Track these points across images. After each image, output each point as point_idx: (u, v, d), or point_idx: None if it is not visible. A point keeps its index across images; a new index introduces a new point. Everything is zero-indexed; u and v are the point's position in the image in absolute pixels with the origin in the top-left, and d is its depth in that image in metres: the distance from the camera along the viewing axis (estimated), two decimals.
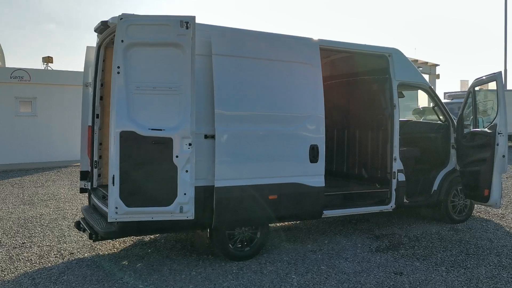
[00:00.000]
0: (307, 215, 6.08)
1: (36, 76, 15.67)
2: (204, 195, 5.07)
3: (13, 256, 5.73)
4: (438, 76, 27.28)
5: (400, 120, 8.12)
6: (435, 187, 7.08)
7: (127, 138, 4.60)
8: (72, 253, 5.84)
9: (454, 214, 7.26)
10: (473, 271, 5.18)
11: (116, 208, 4.62)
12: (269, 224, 5.89)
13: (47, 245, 6.17)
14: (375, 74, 7.14)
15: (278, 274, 5.08)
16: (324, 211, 5.93)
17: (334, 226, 7.13)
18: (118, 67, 4.61)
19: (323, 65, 8.18)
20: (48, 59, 17.28)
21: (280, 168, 5.53)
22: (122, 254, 5.81)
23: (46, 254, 5.80)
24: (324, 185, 5.81)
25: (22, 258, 5.65)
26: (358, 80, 7.54)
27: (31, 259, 5.62)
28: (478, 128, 6.71)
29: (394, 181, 6.55)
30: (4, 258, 5.62)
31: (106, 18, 5.46)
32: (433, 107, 7.35)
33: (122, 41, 4.62)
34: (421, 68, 27.30)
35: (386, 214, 7.54)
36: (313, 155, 5.68)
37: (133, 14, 4.76)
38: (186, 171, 4.74)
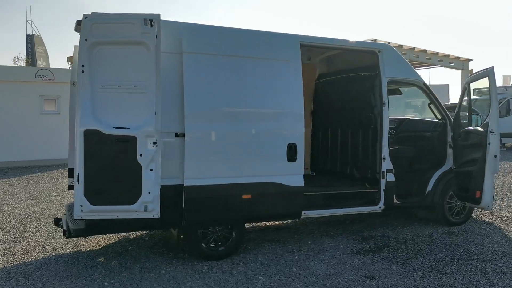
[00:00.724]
0: (285, 216, 5.98)
1: (60, 75, 16.12)
2: (175, 194, 5.06)
3: (0, 250, 5.92)
4: (472, 72, 26.23)
5: (397, 118, 7.92)
6: (429, 187, 6.79)
7: (91, 136, 4.63)
8: (55, 249, 5.97)
9: (450, 216, 6.94)
10: (450, 277, 4.93)
11: (81, 206, 4.67)
12: (246, 224, 5.82)
13: (36, 241, 6.34)
14: (364, 71, 6.92)
15: (246, 275, 5.01)
16: (303, 211, 5.80)
17: (324, 226, 6.97)
18: (83, 66, 4.65)
19: (319, 62, 8.09)
20: (71, 59, 17.75)
21: (255, 167, 5.44)
22: (103, 250, 5.89)
23: (31, 250, 5.96)
24: (303, 184, 5.67)
25: (7, 253, 5.82)
26: (349, 77, 7.33)
27: (15, 254, 5.78)
28: (472, 126, 6.39)
29: (383, 181, 6.33)
30: None
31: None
32: (428, 105, 7.04)
33: (86, 39, 4.65)
34: (452, 64, 26.46)
35: (382, 215, 7.31)
36: (291, 154, 5.56)
37: (100, 13, 4.78)
38: (151, 169, 4.74)
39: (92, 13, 4.78)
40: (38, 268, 5.28)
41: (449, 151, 6.90)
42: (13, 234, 6.68)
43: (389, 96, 7.05)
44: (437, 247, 5.95)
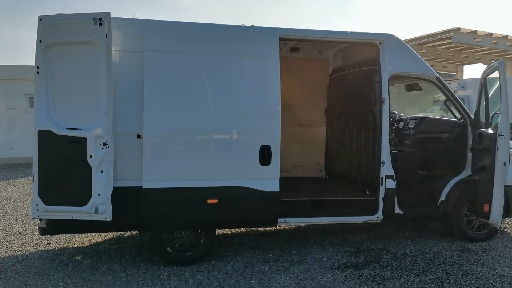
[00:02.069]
0: (258, 222, 5.57)
1: None
2: (136, 196, 4.94)
3: (9, 241, 6.25)
4: None
5: (416, 117, 7.08)
6: (442, 197, 5.93)
7: (44, 137, 4.67)
8: (49, 244, 6.18)
9: (469, 231, 6.01)
10: None
11: (37, 205, 4.74)
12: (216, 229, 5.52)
13: (38, 233, 6.62)
14: (367, 65, 6.23)
15: (200, 285, 4.74)
16: (280, 219, 5.37)
17: (324, 235, 6.43)
18: (38, 67, 4.69)
19: (333, 56, 7.49)
20: None
21: (222, 170, 5.13)
22: (88, 248, 5.97)
23: (28, 243, 6.22)
24: (278, 190, 5.24)
25: (6, 245, 6.12)
26: (355, 72, 6.66)
27: (12, 246, 6.07)
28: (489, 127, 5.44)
29: (381, 188, 5.66)
30: None
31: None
32: (444, 102, 6.15)
33: (41, 41, 4.68)
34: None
35: (397, 225, 6.59)
36: (264, 156, 5.16)
37: (55, 14, 4.79)
38: (101, 171, 4.67)
39: (59, 14, 4.80)
40: (19, 262, 5.46)
41: (470, 155, 5.97)
42: (28, 226, 7.04)
43: (411, 92, 6.35)
44: (434, 266, 5.17)
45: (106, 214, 4.71)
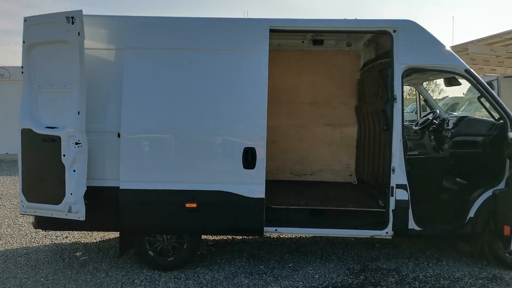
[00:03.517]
0: (242, 230, 5.12)
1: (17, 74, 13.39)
2: (114, 196, 4.85)
3: (27, 233, 6.62)
4: None
5: (456, 116, 6.09)
6: (471, 212, 4.93)
7: (26, 135, 4.77)
8: (57, 237, 6.36)
9: (508, 256, 4.94)
10: None
11: (22, 201, 4.88)
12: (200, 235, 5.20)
13: None
14: (385, 57, 5.42)
15: None
16: (268, 228, 4.90)
17: (335, 247, 5.77)
18: (22, 67, 4.81)
19: (364, 47, 6.74)
20: None
21: (201, 173, 4.81)
22: (94, 245, 6.03)
23: (48, 236, 6.48)
24: (264, 196, 4.78)
25: (13, 238, 6.37)
26: (376, 65, 5.85)
27: (31, 238, 6.39)
28: None
29: (391, 199, 4.89)
30: (17, 232, 6.54)
31: None
32: (478, 99, 5.11)
33: (24, 42, 4.79)
34: None
35: (428, 242, 5.72)
36: (248, 159, 4.74)
37: (38, 15, 4.86)
38: (74, 170, 4.63)
39: (48, 14, 4.88)
40: (27, 254, 5.66)
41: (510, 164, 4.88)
42: None
43: (450, 88, 5.50)
44: None
45: (79, 213, 4.67)
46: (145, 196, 4.80)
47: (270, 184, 5.31)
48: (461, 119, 5.89)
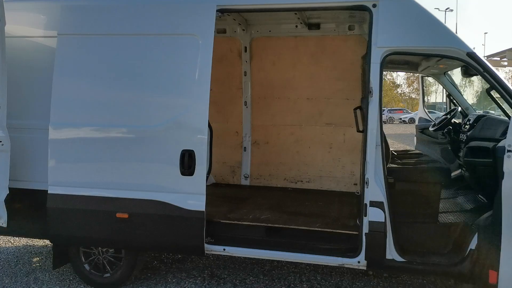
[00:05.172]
0: (179, 248, 4.31)
1: None
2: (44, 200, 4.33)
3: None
4: None
5: (475, 115, 4.83)
6: (472, 244, 3.69)
7: None
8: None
9: None
10: None
11: None
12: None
13: None
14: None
15: None
16: (212, 246, 4.07)
17: (314, 273, 4.77)
18: None
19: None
20: None
21: (133, 178, 4.11)
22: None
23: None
24: (204, 208, 3.97)
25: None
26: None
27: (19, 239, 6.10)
28: None
29: (364, 220, 3.83)
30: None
31: None
32: (487, 91, 3.82)
33: None
34: None
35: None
36: (185, 164, 3.95)
37: None
38: None
39: None
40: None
41: None
42: None
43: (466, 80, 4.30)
44: None
45: (1, 219, 4.21)
46: (75, 203, 4.21)
47: (254, 191, 4.93)
48: (478, 118, 4.57)
